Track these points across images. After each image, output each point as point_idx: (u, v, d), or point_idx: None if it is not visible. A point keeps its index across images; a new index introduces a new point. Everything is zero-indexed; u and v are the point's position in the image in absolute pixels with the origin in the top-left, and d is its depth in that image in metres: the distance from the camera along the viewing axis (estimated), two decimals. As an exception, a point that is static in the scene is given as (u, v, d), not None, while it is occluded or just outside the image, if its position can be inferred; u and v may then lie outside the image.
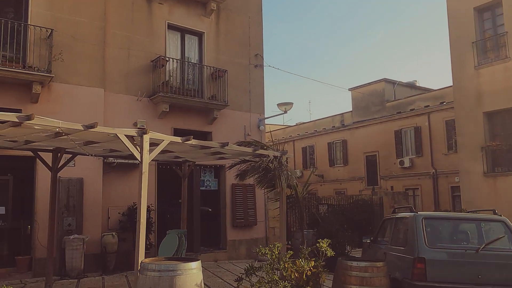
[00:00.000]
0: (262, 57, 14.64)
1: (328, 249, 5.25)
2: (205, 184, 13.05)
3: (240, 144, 8.34)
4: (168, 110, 11.81)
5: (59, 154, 8.35)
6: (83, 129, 5.76)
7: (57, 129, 5.57)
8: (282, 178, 7.73)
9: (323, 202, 17.63)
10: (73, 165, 10.22)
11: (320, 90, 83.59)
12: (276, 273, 4.87)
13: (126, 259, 10.60)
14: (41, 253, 9.56)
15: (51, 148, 8.40)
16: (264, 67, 14.68)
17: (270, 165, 8.24)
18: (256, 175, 8.54)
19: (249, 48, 14.32)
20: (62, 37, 10.42)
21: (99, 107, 10.84)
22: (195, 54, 13.33)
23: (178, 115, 12.26)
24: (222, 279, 9.54)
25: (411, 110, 23.67)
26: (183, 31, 13.08)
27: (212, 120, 12.85)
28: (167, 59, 12.09)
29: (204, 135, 12.61)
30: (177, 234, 9.86)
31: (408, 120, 23.26)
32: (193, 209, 12.48)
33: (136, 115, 11.59)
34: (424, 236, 5.76)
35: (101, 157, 10.40)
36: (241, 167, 8.76)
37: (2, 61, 9.42)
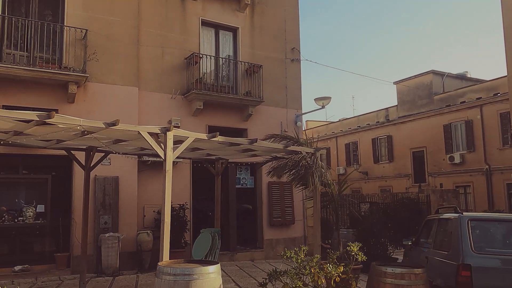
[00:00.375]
0: (299, 51, 14.19)
1: (360, 253, 4.81)
2: (241, 182, 12.82)
3: (270, 139, 7.99)
4: (202, 107, 11.68)
5: (91, 152, 8.39)
6: (104, 127, 5.66)
7: (78, 127, 5.47)
8: (315, 175, 7.32)
9: (367, 200, 16.95)
10: (108, 164, 10.33)
11: (363, 84, 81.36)
12: (302, 278, 4.52)
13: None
14: (78, 250, 9.67)
15: (84, 147, 8.46)
16: (301, 61, 14.24)
17: (303, 162, 7.85)
18: (288, 173, 8.18)
19: (285, 42, 13.93)
20: (96, 37, 10.53)
21: (134, 105, 10.88)
22: (230, 50, 13.12)
23: (213, 112, 12.10)
24: (255, 280, 9.25)
25: (462, 102, 22.31)
26: (217, 27, 12.90)
27: (247, 116, 12.59)
28: (201, 55, 11.96)
29: (240, 132, 12.39)
30: (210, 233, 9.70)
31: (459, 113, 21.94)
32: (229, 207, 12.30)
33: (171, 113, 11.54)
34: (470, 240, 5.16)
35: (135, 156, 10.42)
36: (272, 164, 8.43)
37: (39, 62, 9.63)
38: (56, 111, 9.57)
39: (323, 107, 12.94)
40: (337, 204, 8.25)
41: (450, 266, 5.19)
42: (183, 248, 10.71)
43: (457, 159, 21.28)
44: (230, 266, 10.88)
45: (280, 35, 13.85)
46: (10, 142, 7.37)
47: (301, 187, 8.72)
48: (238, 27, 13.06)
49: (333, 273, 4.42)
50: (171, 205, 10.83)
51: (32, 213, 9.51)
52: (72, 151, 8.63)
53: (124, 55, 10.92)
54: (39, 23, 9.86)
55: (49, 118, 5.14)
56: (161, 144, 6.16)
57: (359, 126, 28.73)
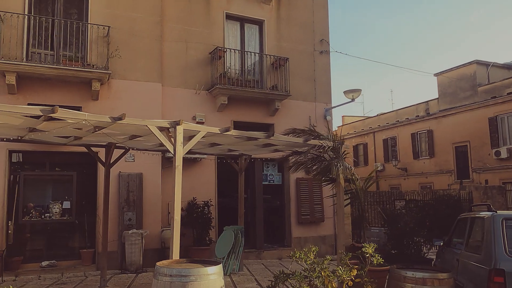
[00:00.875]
0: (328, 42, 13.67)
1: (376, 255, 4.37)
2: (268, 179, 12.50)
3: (290, 134, 7.62)
4: (226, 102, 11.45)
5: (110, 149, 8.35)
6: (110, 121, 5.51)
7: (84, 122, 5.35)
8: (335, 170, 6.87)
9: (404, 197, 16.14)
10: (132, 160, 10.32)
11: (401, 77, 78.38)
12: (313, 281, 4.15)
13: (186, 255, 10.43)
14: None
15: (104, 144, 8.44)
16: (330, 53, 13.71)
17: (325, 155, 7.44)
18: (310, 168, 7.78)
19: (313, 34, 13.45)
20: (120, 33, 10.53)
21: (157, 102, 10.80)
22: (255, 43, 12.80)
23: (238, 108, 11.85)
24: (279, 280, 8.91)
25: (509, 93, 20.85)
26: (242, 20, 12.62)
27: (274, 111, 12.24)
28: (225, 50, 11.72)
29: (266, 127, 12.05)
30: (233, 231, 9.47)
31: (506, 105, 20.51)
32: (255, 204, 12.02)
33: (195, 108, 11.39)
34: (504, 242, 4.58)
35: (159, 152, 10.34)
36: (291, 159, 8.04)
37: (63, 60, 9.72)
38: (80, 108, 9.78)
39: (353, 99, 12.37)
40: (361, 201, 7.76)
41: (481, 271, 4.63)
42: (208, 245, 10.54)
43: (503, 154, 19.91)
44: (256, 265, 10.60)
45: (308, 27, 13.39)
46: (28, 138, 7.44)
47: (324, 183, 8.28)
48: (264, 20, 12.72)
49: (344, 276, 4.02)
50: (195, 202, 10.80)
51: (58, 210, 9.63)
52: (93, 148, 8.64)
53: (147, 51, 10.86)
54: (63, 21, 9.97)
55: (53, 112, 5.05)
56: (172, 138, 5.95)
57: (398, 121, 27.59)
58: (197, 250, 10.36)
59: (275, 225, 12.49)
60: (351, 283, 4.11)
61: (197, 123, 11.25)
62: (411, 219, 10.90)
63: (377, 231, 11.29)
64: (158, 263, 4.05)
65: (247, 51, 12.43)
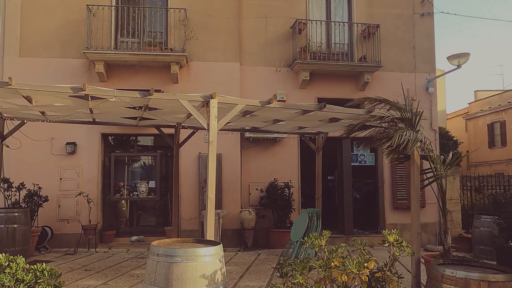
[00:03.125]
0: (431, 2, 11.86)
1: (406, 244, 3.45)
2: (359, 159, 11.46)
3: (352, 106, 6.71)
4: (308, 78, 10.75)
5: (177, 129, 8.45)
6: (140, 96, 5.44)
7: (113, 98, 5.37)
8: (409, 145, 5.81)
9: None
10: (211, 141, 10.35)
11: None
12: (325, 270, 3.46)
13: (265, 236, 10.24)
14: (185, 225, 10.06)
15: (173, 124, 8.58)
16: (434, 14, 11.89)
17: (397, 128, 6.37)
18: (382, 144, 6.74)
19: (412, -6, 11.81)
20: (197, 15, 10.59)
21: (236, 81, 10.63)
22: (343, 11, 11.73)
23: (322, 83, 11.04)
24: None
25: None
26: (328, -11, 11.68)
27: (364, 85, 11.11)
28: (305, 22, 10.97)
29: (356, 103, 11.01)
30: (308, 213, 8.87)
31: None
32: (343, 186, 11.14)
33: (276, 86, 10.94)
34: None
35: (238, 132, 10.21)
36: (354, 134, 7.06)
37: (143, 46, 10.16)
38: (161, 92, 10.11)
39: (459, 66, 10.52)
40: (442, 182, 6.46)
41: None
42: (288, 228, 10.08)
43: None
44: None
45: (406, -13, 11.79)
46: (99, 120, 7.92)
47: (397, 161, 7.15)
48: (352, -16, 11.58)
49: (353, 270, 3.24)
50: (276, 184, 10.43)
51: (145, 189, 10.21)
52: (163, 129, 8.87)
53: (224, 31, 10.74)
54: (146, 9, 10.41)
55: (83, 90, 5.15)
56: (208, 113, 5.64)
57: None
58: (277, 233, 10.04)
59: (367, 210, 11.45)
60: (366, 278, 3.30)
61: (279, 101, 10.79)
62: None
63: (489, 220, 9.53)
64: (153, 243, 3.81)
65: (332, 21, 11.46)
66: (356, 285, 3.50)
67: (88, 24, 9.91)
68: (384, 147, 6.71)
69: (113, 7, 10.40)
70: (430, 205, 11.17)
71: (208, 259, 3.63)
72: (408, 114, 6.46)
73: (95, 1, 10.22)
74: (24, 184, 9.08)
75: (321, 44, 11.25)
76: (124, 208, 10.67)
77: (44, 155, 9.92)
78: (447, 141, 19.19)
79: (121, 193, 10.20)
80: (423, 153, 6.33)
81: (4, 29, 10.06)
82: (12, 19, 10.14)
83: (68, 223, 9.84)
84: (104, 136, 10.47)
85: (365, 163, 11.50)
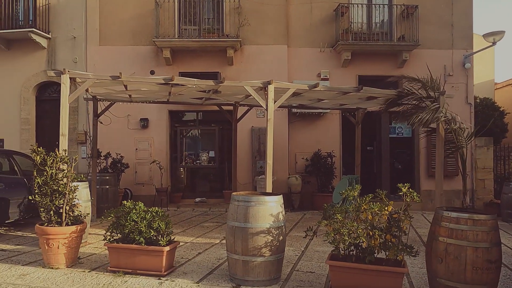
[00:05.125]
0: (470, -19, 12.42)
1: (414, 193, 4.75)
2: (396, 131, 12.52)
3: (389, 83, 7.85)
4: (350, 58, 11.83)
5: (236, 107, 9.92)
6: (213, 84, 6.89)
7: (194, 86, 6.85)
8: (428, 116, 6.98)
9: None
10: (262, 116, 11.78)
11: None
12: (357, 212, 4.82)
13: (310, 200, 11.68)
14: (241, 188, 11.65)
15: (232, 102, 10.05)
16: (473, -8, 12.46)
17: (422, 104, 7.53)
18: (411, 120, 7.90)
19: (450, -27, 12.42)
20: (250, 4, 11.84)
21: (283, 62, 11.90)
22: (384, -7, 12.56)
23: (363, 62, 12.09)
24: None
25: None
26: (370, -28, 12.50)
27: (402, 63, 12.04)
28: (347, 5, 11.96)
29: (394, 81, 12.00)
30: (348, 179, 10.18)
31: None
32: (381, 156, 12.31)
33: (320, 66, 12.12)
34: None
35: (286, 108, 11.55)
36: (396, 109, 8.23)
37: (203, 33, 11.60)
38: (218, 73, 11.59)
39: (494, 43, 11.22)
40: (462, 152, 7.48)
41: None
42: (330, 193, 11.46)
43: None
44: (377, 213, 11.11)
45: (444, -33, 12.40)
46: (172, 100, 9.53)
47: (423, 134, 8.27)
48: (393, -33, 12.34)
49: (376, 211, 4.59)
50: (320, 153, 11.77)
51: (206, 158, 11.87)
52: (223, 107, 10.38)
53: (273, 17, 11.95)
54: (206, 0, 11.81)
55: (171, 80, 6.65)
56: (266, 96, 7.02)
57: None
58: (320, 196, 11.43)
59: (403, 178, 12.53)
60: (386, 217, 4.65)
61: (322, 79, 12.02)
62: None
63: (511, 186, 10.50)
64: (233, 193, 5.29)
65: (373, 4, 12.35)
66: (379, 224, 4.85)
67: (156, 15, 11.43)
68: (411, 122, 7.86)
69: (176, 0, 11.84)
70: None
71: (273, 204, 5.08)
72: (435, 93, 7.53)
73: (168, -5, 11.72)
74: (110, 154, 10.97)
75: (362, 25, 12.22)
76: (187, 175, 12.45)
77: (123, 129, 11.75)
78: (493, 111, 19.34)
79: (186, 161, 11.93)
80: (448, 126, 7.42)
81: (86, 22, 11.81)
82: (92, 13, 11.85)
83: (143, 186, 11.71)
84: (171, 113, 12.15)
85: (402, 135, 12.55)
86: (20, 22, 11.82)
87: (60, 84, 6.23)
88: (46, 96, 12.25)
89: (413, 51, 11.98)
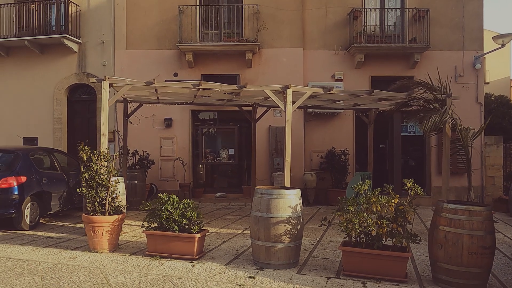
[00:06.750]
0: (481, -16, 12.83)
1: (417, 186, 5.36)
2: (408, 130, 13.04)
3: (396, 88, 8.43)
4: (363, 59, 12.37)
5: (255, 108, 10.58)
6: (237, 88, 7.56)
7: (219, 90, 7.53)
8: (437, 119, 7.53)
9: None
10: (279, 116, 12.42)
11: None
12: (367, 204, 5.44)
13: (324, 195, 12.29)
14: (258, 184, 12.28)
15: (251, 104, 10.72)
16: (483, -5, 12.87)
17: (430, 106, 8.08)
18: (422, 121, 8.45)
19: (462, -23, 12.85)
20: (267, 9, 12.47)
21: (299, 64, 12.51)
22: (396, -2, 13.07)
23: (375, 64, 12.62)
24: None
25: None
26: (383, -23, 13.01)
27: (414, 64, 12.53)
28: (361, 10, 12.49)
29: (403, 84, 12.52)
30: (361, 175, 10.76)
31: None
32: (393, 153, 12.85)
33: (334, 68, 12.68)
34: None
35: (302, 108, 12.16)
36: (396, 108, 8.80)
37: (223, 37, 12.29)
38: (238, 75, 12.27)
39: (503, 45, 11.65)
40: (467, 150, 7.99)
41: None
42: (344, 188, 12.05)
43: None
44: (389, 208, 11.67)
45: (456, -30, 12.85)
46: (196, 101, 10.23)
47: (432, 133, 8.80)
48: (405, -28, 12.83)
49: (384, 202, 5.21)
50: (334, 151, 12.38)
51: (226, 155, 12.56)
52: (243, 107, 11.05)
53: (290, 21, 12.56)
54: (225, 6, 12.48)
55: (199, 85, 7.34)
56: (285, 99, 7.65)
57: None
58: (334, 192, 12.03)
59: (414, 174, 13.05)
60: (392, 208, 5.28)
61: (336, 80, 12.60)
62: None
63: (523, 183, 10.91)
64: (257, 187, 5.96)
65: (386, 8, 12.86)
66: (386, 214, 5.47)
67: (180, 21, 12.15)
68: (424, 128, 8.40)
69: (198, 6, 12.54)
70: (474, 171, 12.57)
71: (292, 197, 5.74)
72: (442, 95, 8.07)
73: (184, 2, 12.41)
74: (137, 151, 11.75)
75: (375, 28, 12.74)
76: (208, 171, 13.18)
77: (148, 128, 12.52)
78: (508, 109, 19.49)
79: (207, 158, 12.66)
80: (454, 127, 7.96)
81: (114, 27, 12.60)
82: (119, 19, 12.64)
83: (167, 181, 12.47)
84: (193, 113, 12.88)
85: (413, 133, 13.06)
86: (53, 28, 12.67)
87: (90, 86, 6.99)
88: (77, 97, 13.10)
89: (425, 53, 12.46)
